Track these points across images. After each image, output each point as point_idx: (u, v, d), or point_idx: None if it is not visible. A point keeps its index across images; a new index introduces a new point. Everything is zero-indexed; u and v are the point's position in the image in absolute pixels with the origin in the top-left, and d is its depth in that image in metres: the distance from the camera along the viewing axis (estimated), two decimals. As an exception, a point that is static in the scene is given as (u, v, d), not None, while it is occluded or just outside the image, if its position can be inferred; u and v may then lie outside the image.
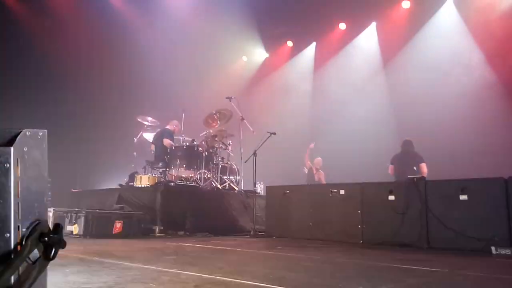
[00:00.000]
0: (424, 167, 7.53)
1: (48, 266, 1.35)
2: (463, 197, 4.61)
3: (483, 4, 9.28)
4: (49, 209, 6.88)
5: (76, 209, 6.00)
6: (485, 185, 4.57)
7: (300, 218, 6.09)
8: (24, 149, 1.24)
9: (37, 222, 1.30)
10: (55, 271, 2.59)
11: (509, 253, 4.04)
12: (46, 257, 1.29)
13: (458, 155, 8.48)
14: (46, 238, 1.26)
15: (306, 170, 10.24)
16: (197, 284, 2.30)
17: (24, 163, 1.24)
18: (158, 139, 8.42)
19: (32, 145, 1.27)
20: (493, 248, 4.18)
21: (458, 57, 9.50)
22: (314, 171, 10.19)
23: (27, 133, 1.26)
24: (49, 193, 9.67)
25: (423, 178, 5.38)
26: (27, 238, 1.23)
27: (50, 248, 1.29)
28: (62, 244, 1.31)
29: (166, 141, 8.15)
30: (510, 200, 4.28)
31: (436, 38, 10.05)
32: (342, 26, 11.84)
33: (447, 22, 10.04)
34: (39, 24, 10.14)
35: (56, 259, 2.62)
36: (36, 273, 1.23)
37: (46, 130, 1.33)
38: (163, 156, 8.09)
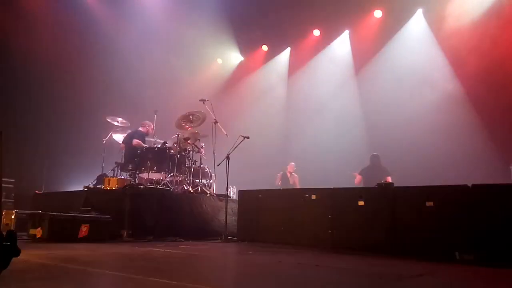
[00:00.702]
0: (389, 180, 7.82)
1: (5, 273, 1.27)
2: (429, 204, 4.73)
3: (450, 15, 9.64)
4: (12, 212, 6.60)
5: (40, 211, 5.75)
6: (451, 192, 4.70)
7: (272, 222, 6.08)
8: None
9: (-11, 228, 1.21)
10: (14, 278, 2.46)
11: (472, 258, 4.16)
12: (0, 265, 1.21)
13: (426, 162, 8.74)
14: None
15: (278, 183, 10.24)
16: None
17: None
18: (128, 140, 8.23)
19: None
20: (457, 253, 4.30)
21: (426, 67, 9.83)
22: (289, 175, 10.26)
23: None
24: (12, 194, 9.32)
25: (391, 184, 5.49)
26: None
27: (3, 255, 1.21)
28: (16, 252, 1.23)
29: (135, 141, 7.96)
30: (474, 207, 4.42)
31: (406, 47, 10.37)
32: (316, 32, 12.02)
33: (416, 32, 10.38)
34: (5, 21, 9.73)
35: (16, 264, 2.48)
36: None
37: (1, 131, 1.25)
38: (133, 158, 7.90)
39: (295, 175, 10.31)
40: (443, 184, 5.02)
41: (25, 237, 5.50)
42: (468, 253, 4.23)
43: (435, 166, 8.46)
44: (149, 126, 8.44)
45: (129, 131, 8.62)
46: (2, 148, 1.32)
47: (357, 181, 8.79)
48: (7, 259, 1.21)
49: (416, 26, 10.46)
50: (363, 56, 11.13)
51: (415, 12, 10.45)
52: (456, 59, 9.35)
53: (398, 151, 9.12)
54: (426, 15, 10.30)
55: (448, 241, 4.45)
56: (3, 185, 9.10)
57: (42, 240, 5.11)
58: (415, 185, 5.16)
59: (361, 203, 5.31)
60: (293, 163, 10.45)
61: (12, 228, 6.37)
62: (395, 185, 5.54)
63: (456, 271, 3.68)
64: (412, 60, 10.07)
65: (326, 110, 11.34)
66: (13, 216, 6.36)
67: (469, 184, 4.55)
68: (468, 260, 4.16)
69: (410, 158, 8.94)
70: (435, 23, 10.00)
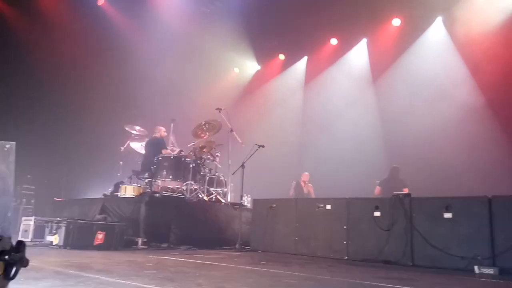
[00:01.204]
0: (406, 191, 7.69)
1: (21, 279, 1.29)
2: (448, 215, 4.61)
3: (471, 24, 9.46)
4: (30, 218, 6.75)
5: (58, 218, 5.86)
6: (470, 203, 4.58)
7: (285, 232, 6.04)
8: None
9: (-2, 238, 1.23)
10: (28, 285, 2.50)
11: (492, 272, 4.03)
12: (6, 276, 1.23)
13: (445, 172, 8.55)
14: (6, 256, 1.20)
15: (291, 193, 10.11)
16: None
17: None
18: (148, 148, 8.34)
19: (-4, 158, 1.22)
20: (476, 267, 4.18)
21: (446, 75, 9.65)
22: (303, 185, 10.16)
23: (-9, 146, 1.21)
24: (32, 201, 9.56)
25: (408, 195, 5.38)
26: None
27: (11, 266, 1.23)
28: (24, 263, 1.25)
29: (166, 152, 8.05)
30: (494, 219, 4.30)
31: (425, 56, 10.22)
32: (334, 41, 11.98)
33: (436, 40, 10.23)
34: (25, 29, 10.05)
35: (31, 272, 2.52)
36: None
37: (14, 143, 1.28)
38: (150, 166, 7.99)
39: (310, 184, 10.21)
40: (462, 195, 4.89)
41: (42, 243, 5.61)
42: (487, 267, 4.10)
43: (454, 177, 8.26)
44: (163, 131, 8.53)
45: (147, 139, 8.74)
46: (14, 158, 1.35)
47: (376, 191, 8.77)
48: (16, 270, 1.22)
49: (436, 34, 10.31)
50: (381, 65, 11.03)
51: (435, 20, 10.31)
52: (476, 67, 9.16)
53: (416, 161, 8.95)
54: (446, 23, 10.14)
55: (467, 254, 4.33)
56: (23, 191, 9.37)
57: (58, 246, 5.19)
58: (433, 195, 5.05)
59: (377, 213, 5.23)
60: (307, 173, 10.35)
61: (31, 234, 6.52)
62: (413, 195, 5.43)
63: (474, 285, 3.56)
64: (431, 69, 9.92)
65: (342, 120, 11.24)
66: (31, 223, 6.50)
67: (489, 196, 4.42)
68: (487, 274, 4.02)
69: (428, 169, 8.77)
70: (455, 31, 9.83)
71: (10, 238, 1.29)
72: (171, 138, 8.64)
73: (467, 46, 9.50)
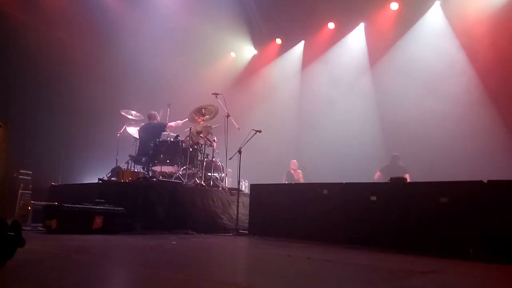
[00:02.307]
0: (407, 177, 7.79)
1: (17, 264, 1.29)
2: (443, 200, 4.64)
3: (470, 8, 9.39)
4: (28, 203, 6.75)
5: (56, 203, 5.86)
6: (465, 188, 4.60)
7: (283, 217, 6.06)
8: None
9: (-5, 219, 1.22)
10: (25, 269, 2.50)
11: (486, 255, 4.08)
12: (3, 256, 1.22)
13: (442, 157, 8.60)
14: (2, 236, 1.19)
15: (284, 181, 10.25)
16: (173, 284, 2.26)
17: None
18: (144, 133, 8.32)
19: (-9, 138, 1.20)
20: (471, 250, 4.22)
21: (444, 60, 9.62)
22: (292, 172, 10.32)
23: (-15, 125, 1.18)
24: (30, 186, 9.54)
25: (404, 179, 5.41)
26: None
27: (8, 246, 1.22)
28: (21, 243, 1.24)
29: (171, 127, 8.25)
30: (489, 203, 4.33)
31: (423, 40, 10.16)
32: (331, 25, 11.88)
33: (434, 24, 10.16)
34: (20, 16, 9.90)
35: (28, 255, 2.52)
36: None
37: (6, 122, 1.26)
38: (147, 151, 7.98)
39: (299, 171, 10.38)
40: (458, 179, 4.91)
41: (40, 228, 5.62)
42: (482, 250, 4.14)
43: (451, 161, 8.32)
44: (156, 115, 8.54)
45: (142, 124, 8.70)
46: (7, 138, 1.33)
47: (376, 176, 8.94)
48: (12, 250, 1.21)
49: (434, 18, 10.23)
50: (379, 50, 10.97)
51: (433, 4, 10.22)
52: (474, 53, 9.13)
53: (413, 146, 9.00)
54: (444, 7, 10.06)
55: (462, 237, 4.37)
56: (20, 176, 9.36)
57: (56, 231, 5.20)
58: (430, 179, 5.07)
59: (373, 198, 5.26)
60: (294, 160, 10.54)
61: (29, 219, 6.54)
62: (410, 180, 5.46)
63: (470, 268, 3.61)
64: (428, 54, 9.88)
65: (340, 104, 11.23)
66: (29, 208, 6.50)
67: (485, 180, 4.45)
68: (482, 256, 4.08)
69: (425, 153, 8.82)
70: (453, 15, 9.76)
71: (3, 219, 1.28)
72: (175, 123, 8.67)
73: (464, 32, 9.46)
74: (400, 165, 8.82)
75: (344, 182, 5.71)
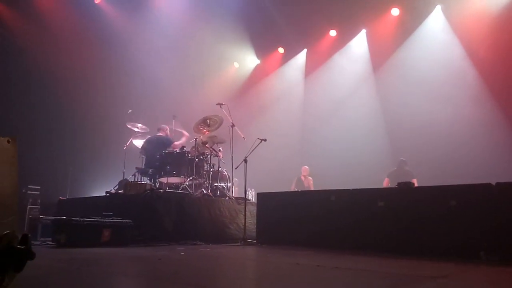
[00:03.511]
0: (415, 182, 7.75)
1: (28, 278, 1.31)
2: (452, 203, 4.60)
3: (470, 11, 9.41)
4: (37, 218, 6.79)
5: (64, 217, 5.89)
6: (474, 191, 4.57)
7: (290, 225, 6.05)
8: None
9: (5, 232, 1.24)
10: (36, 282, 2.52)
11: (497, 259, 4.03)
12: (15, 269, 1.24)
13: (449, 161, 8.55)
14: (14, 250, 1.21)
15: (293, 189, 10.18)
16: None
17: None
18: (150, 146, 8.39)
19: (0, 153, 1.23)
20: (482, 253, 4.18)
21: (446, 64, 9.62)
22: (303, 178, 10.23)
23: (-5, 141, 1.21)
24: (38, 201, 9.61)
25: (412, 184, 5.38)
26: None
27: (18, 259, 1.24)
28: (31, 255, 1.26)
29: (176, 145, 8.28)
30: (499, 206, 4.29)
31: (425, 44, 10.18)
32: (333, 33, 11.94)
33: (435, 29, 10.18)
34: (27, 28, 10.09)
35: (39, 269, 2.54)
36: (3, 286, 1.19)
37: (15, 137, 1.29)
38: (153, 163, 8.03)
39: (310, 178, 10.28)
40: (466, 182, 4.87)
41: (50, 243, 5.65)
42: (493, 254, 4.09)
43: (459, 165, 8.26)
44: (167, 129, 8.63)
45: (149, 136, 8.76)
46: (16, 153, 1.36)
47: (385, 183, 8.90)
48: (22, 263, 1.23)
49: (435, 22, 10.26)
50: (381, 56, 11.01)
51: (434, 8, 10.26)
52: (477, 55, 9.12)
53: (419, 150, 8.97)
54: (445, 11, 10.09)
55: (472, 241, 4.33)
56: (29, 192, 9.43)
57: (66, 245, 5.22)
58: (437, 183, 5.04)
59: (381, 203, 5.23)
60: (306, 167, 10.42)
61: (38, 234, 6.57)
62: (419, 185, 5.43)
63: (480, 272, 3.56)
64: (431, 58, 9.88)
65: (344, 111, 11.24)
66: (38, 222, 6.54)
67: (493, 183, 4.41)
68: (493, 260, 4.03)
69: (431, 157, 8.77)
70: (454, 19, 9.78)
71: (14, 232, 1.30)
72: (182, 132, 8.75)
73: (466, 34, 9.47)
74: (407, 170, 8.77)
75: (351, 188, 5.69)
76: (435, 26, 10.21)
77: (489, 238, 4.23)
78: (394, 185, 8.21)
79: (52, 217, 6.63)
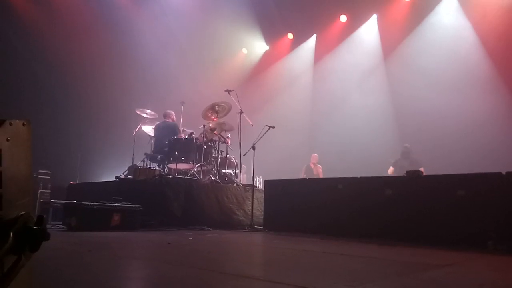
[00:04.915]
0: (422, 171, 7.70)
1: (40, 260, 1.35)
2: (461, 192, 4.59)
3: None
4: (48, 202, 6.92)
5: (75, 201, 6.00)
6: (483, 180, 4.54)
7: (298, 212, 6.08)
8: (7, 139, 1.22)
9: (21, 213, 1.28)
10: (49, 265, 2.59)
11: (505, 248, 4.03)
12: (30, 249, 1.28)
13: (458, 148, 8.47)
14: (29, 230, 1.25)
15: (303, 176, 10.20)
16: (182, 277, 2.30)
17: (6, 154, 1.22)
18: (158, 132, 8.46)
19: (14, 135, 1.25)
20: (489, 243, 4.17)
21: (458, 50, 9.45)
22: (312, 166, 10.22)
23: (9, 123, 1.23)
24: (49, 185, 9.77)
25: (420, 172, 5.36)
26: (10, 230, 1.21)
27: (34, 240, 1.28)
28: (46, 236, 1.29)
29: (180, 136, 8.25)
30: (508, 195, 4.26)
31: (437, 31, 10.00)
32: (343, 18, 11.78)
33: (448, 15, 9.98)
34: (36, 15, 10.11)
35: (51, 252, 2.61)
36: (20, 266, 1.22)
37: (30, 119, 1.31)
38: (162, 148, 8.09)
39: (319, 165, 10.27)
40: (475, 171, 4.84)
41: (60, 226, 5.77)
42: (501, 243, 4.09)
43: (468, 153, 8.18)
44: (172, 115, 8.69)
45: (158, 122, 8.82)
46: (31, 136, 1.38)
47: (390, 171, 8.84)
48: (38, 243, 1.27)
49: (448, 8, 10.05)
50: (392, 42, 10.84)
51: (447, -7, 10.04)
52: (490, 42, 8.94)
53: (429, 139, 8.88)
54: (458, -4, 9.88)
55: (480, 230, 4.32)
56: (40, 176, 9.58)
57: (76, 229, 5.33)
58: (446, 172, 5.02)
59: (388, 192, 5.23)
60: (316, 154, 10.39)
61: (49, 217, 6.70)
62: (425, 173, 5.40)
63: (487, 261, 3.57)
64: (443, 44, 9.71)
65: (353, 98, 11.15)
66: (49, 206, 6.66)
67: (503, 172, 4.38)
68: (501, 249, 4.02)
69: (441, 145, 8.70)
70: (468, 4, 9.57)
71: (30, 213, 1.34)
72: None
73: (480, 21, 9.27)
74: (413, 158, 8.66)
75: (359, 176, 5.68)
76: (448, 13, 10.00)
77: (497, 228, 4.22)
78: (399, 173, 8.21)
79: (63, 201, 6.74)
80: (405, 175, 5.36)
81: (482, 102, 8.61)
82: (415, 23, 10.37)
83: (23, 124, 1.32)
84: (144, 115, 9.05)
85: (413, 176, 5.23)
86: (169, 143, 7.95)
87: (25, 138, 1.34)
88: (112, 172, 9.56)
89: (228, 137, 8.45)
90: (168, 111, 8.71)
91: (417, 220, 4.85)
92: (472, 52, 9.23)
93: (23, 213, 1.28)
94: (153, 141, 8.72)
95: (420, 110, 9.39)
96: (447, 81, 9.30)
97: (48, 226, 5.67)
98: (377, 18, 11.38)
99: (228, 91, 8.12)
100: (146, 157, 8.42)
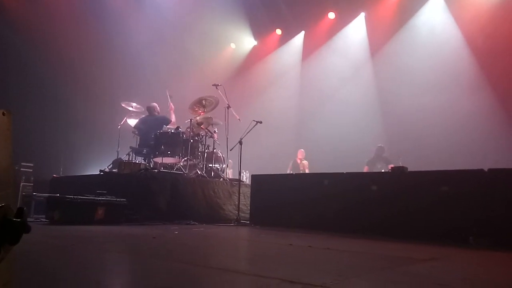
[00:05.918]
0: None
1: (22, 254, 1.31)
2: (444, 188, 4.66)
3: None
4: (30, 195, 6.79)
5: (58, 195, 5.89)
6: (466, 176, 4.62)
7: (284, 207, 6.10)
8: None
9: (0, 205, 1.24)
10: (30, 259, 2.53)
11: (486, 243, 4.11)
12: (10, 242, 1.24)
13: (442, 146, 8.61)
14: (9, 222, 1.21)
15: (289, 170, 10.30)
16: (167, 271, 2.28)
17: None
18: (145, 126, 8.35)
19: (-6, 125, 1.21)
20: (471, 238, 4.25)
21: (444, 50, 9.58)
22: (299, 161, 10.27)
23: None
24: (31, 178, 9.58)
25: (406, 168, 5.42)
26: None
27: (14, 232, 1.24)
28: (27, 229, 1.26)
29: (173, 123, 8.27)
30: (490, 191, 4.35)
31: (424, 30, 10.11)
32: (331, 15, 11.81)
33: (434, 14, 10.09)
34: (23, 8, 9.87)
35: (33, 246, 2.56)
36: (0, 257, 1.19)
37: (9, 110, 1.27)
38: (148, 142, 8.00)
39: (305, 161, 10.34)
40: (458, 168, 4.92)
41: (43, 220, 5.66)
42: (483, 238, 4.17)
43: (452, 151, 8.33)
44: (156, 107, 8.61)
45: (143, 116, 8.71)
46: (11, 128, 1.34)
47: (365, 170, 9.00)
48: (18, 236, 1.23)
49: (435, 7, 10.16)
50: (379, 40, 10.92)
51: (434, -7, 10.15)
52: (475, 42, 9.08)
53: (414, 136, 9.00)
54: (445, -4, 9.99)
55: (463, 226, 4.40)
56: (22, 169, 9.39)
57: (59, 222, 5.24)
58: (430, 169, 5.09)
59: (374, 187, 5.28)
60: (302, 150, 10.46)
61: (31, 210, 6.58)
62: (409, 170, 5.47)
63: (470, 255, 3.64)
64: (429, 43, 9.83)
65: (340, 95, 11.22)
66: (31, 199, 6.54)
67: (485, 169, 4.46)
68: (482, 244, 4.11)
69: (425, 143, 8.82)
70: (454, 4, 9.70)
71: (9, 205, 1.30)
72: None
73: (465, 20, 9.41)
74: (384, 156, 9.00)
75: (344, 172, 5.72)
76: (435, 12, 10.12)
77: (479, 223, 4.30)
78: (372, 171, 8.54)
79: (46, 195, 6.61)
80: (389, 170, 5.42)
81: (466, 101, 8.76)
82: (403, 21, 10.46)
83: (3, 114, 1.28)
84: (130, 108, 8.92)
85: (398, 172, 5.30)
86: (155, 137, 7.86)
87: (4, 128, 1.29)
88: (96, 165, 9.43)
89: (215, 131, 8.40)
90: (152, 104, 8.59)
91: (401, 215, 4.92)
92: (458, 52, 9.37)
93: (3, 204, 1.24)
94: (137, 135, 8.60)
95: (406, 108, 9.51)
96: (432, 80, 9.43)
97: (30, 219, 5.59)
98: (365, 16, 11.44)
99: (216, 85, 8.07)
100: (131, 150, 8.32)
